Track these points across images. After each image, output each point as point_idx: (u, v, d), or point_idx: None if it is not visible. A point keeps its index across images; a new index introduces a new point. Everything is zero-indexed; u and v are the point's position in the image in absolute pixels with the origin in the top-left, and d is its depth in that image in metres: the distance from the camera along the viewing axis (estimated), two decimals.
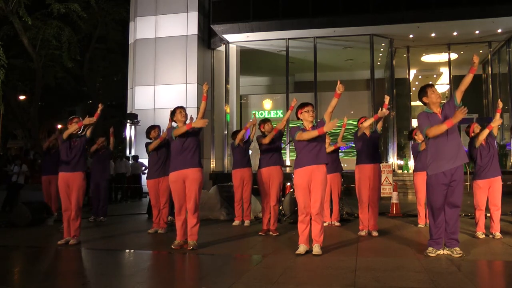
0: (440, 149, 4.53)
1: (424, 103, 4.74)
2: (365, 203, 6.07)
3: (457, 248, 4.51)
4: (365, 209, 6.09)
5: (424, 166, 6.55)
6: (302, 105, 5.05)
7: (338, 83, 4.80)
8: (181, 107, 5.46)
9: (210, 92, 17.62)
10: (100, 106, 5.96)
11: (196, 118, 5.34)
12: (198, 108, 16.39)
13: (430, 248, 4.59)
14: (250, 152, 7.56)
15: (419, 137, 6.82)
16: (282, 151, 6.63)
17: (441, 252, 4.56)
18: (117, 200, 13.67)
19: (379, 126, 6.28)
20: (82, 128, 5.91)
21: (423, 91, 4.70)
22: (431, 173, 4.59)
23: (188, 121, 5.41)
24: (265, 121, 6.59)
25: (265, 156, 6.38)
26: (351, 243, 5.48)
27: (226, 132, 17.62)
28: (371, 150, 6.15)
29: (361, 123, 6.25)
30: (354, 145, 6.42)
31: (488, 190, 5.74)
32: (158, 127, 7.03)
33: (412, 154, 7.29)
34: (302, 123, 5.02)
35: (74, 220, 5.62)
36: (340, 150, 7.62)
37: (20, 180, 10.55)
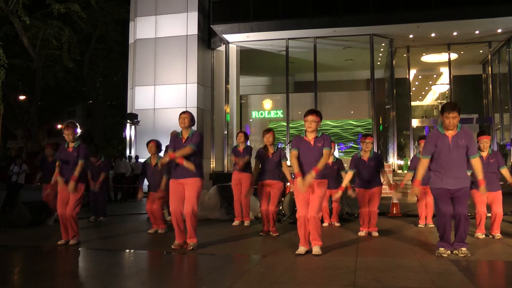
0: (443, 165, 4.54)
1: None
2: (365, 205, 6.12)
3: (463, 249, 4.54)
4: (365, 210, 6.10)
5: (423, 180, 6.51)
6: (305, 114, 4.88)
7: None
8: (184, 112, 5.29)
9: (210, 92, 17.63)
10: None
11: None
12: (198, 108, 16.43)
13: (442, 249, 4.59)
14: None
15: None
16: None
17: (449, 252, 4.57)
18: (117, 200, 13.67)
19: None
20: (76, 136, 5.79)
21: (442, 110, 4.54)
22: (434, 186, 4.61)
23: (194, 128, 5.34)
24: (268, 131, 6.53)
25: (266, 169, 6.37)
26: (351, 243, 5.48)
27: (226, 132, 17.62)
28: (369, 175, 6.08)
29: (362, 141, 6.22)
30: (355, 145, 6.40)
31: (487, 198, 5.72)
32: (156, 141, 6.99)
33: (412, 163, 7.07)
34: (305, 131, 4.91)
35: (72, 224, 5.58)
36: (340, 150, 7.62)
37: (20, 180, 10.55)
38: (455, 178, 4.52)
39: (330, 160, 7.14)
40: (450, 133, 4.53)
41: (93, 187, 8.22)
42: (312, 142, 4.80)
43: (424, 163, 4.68)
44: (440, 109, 4.69)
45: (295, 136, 5.04)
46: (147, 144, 6.99)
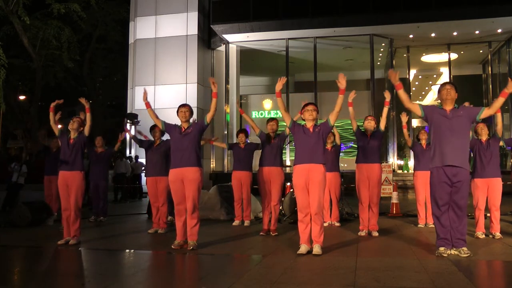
0: (443, 143, 4.54)
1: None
2: (365, 203, 6.07)
3: (465, 248, 4.50)
4: (365, 209, 6.08)
5: (424, 165, 6.57)
6: (304, 105, 5.04)
7: (339, 77, 4.75)
8: (184, 106, 5.37)
9: (210, 92, 17.57)
10: (82, 100, 5.78)
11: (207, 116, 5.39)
12: (198, 108, 16.42)
13: (442, 248, 4.54)
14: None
15: (423, 142, 6.85)
16: (283, 151, 6.63)
17: (449, 251, 4.55)
18: (117, 200, 13.68)
19: (382, 124, 6.23)
20: (82, 130, 5.86)
21: (439, 88, 4.71)
22: (433, 165, 4.60)
23: (191, 121, 5.39)
24: (271, 119, 6.57)
25: (267, 155, 6.38)
26: (351, 243, 5.47)
27: (226, 132, 17.63)
28: (370, 149, 6.12)
29: (365, 119, 6.28)
30: (355, 145, 6.42)
31: (487, 190, 5.73)
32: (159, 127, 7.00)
33: (413, 152, 7.25)
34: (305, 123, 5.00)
35: (74, 221, 5.61)
36: (340, 151, 7.62)
37: (20, 180, 10.55)
38: (455, 151, 4.48)
39: (329, 146, 7.17)
40: (448, 108, 4.61)
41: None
42: (311, 129, 4.89)
43: (415, 104, 4.77)
44: (437, 91, 4.78)
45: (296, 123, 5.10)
46: (151, 129, 6.95)
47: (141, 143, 7.12)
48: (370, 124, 6.21)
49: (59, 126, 5.99)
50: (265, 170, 6.30)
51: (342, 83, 4.75)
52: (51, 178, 8.32)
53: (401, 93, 4.72)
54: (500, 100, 4.49)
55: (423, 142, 6.90)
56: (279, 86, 5.02)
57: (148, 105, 5.51)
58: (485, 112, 4.53)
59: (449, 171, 4.50)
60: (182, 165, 5.10)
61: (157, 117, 5.44)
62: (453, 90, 4.61)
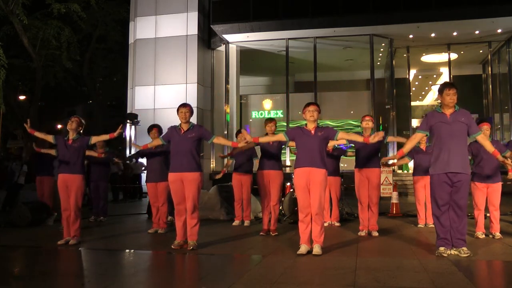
0: (444, 140, 4.55)
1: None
2: (365, 203, 6.06)
3: (465, 248, 4.50)
4: (364, 209, 6.07)
5: (422, 170, 6.56)
6: (305, 105, 4.99)
7: (379, 134, 4.83)
8: (184, 106, 5.29)
9: (210, 92, 17.62)
10: (120, 129, 5.88)
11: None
12: (198, 108, 16.42)
13: (442, 248, 4.54)
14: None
15: (423, 145, 6.82)
16: (282, 151, 6.61)
17: (449, 251, 4.54)
18: (117, 200, 13.66)
19: (391, 139, 6.17)
20: (80, 130, 5.87)
21: (441, 89, 4.66)
22: (434, 172, 4.61)
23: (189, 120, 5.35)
24: (270, 120, 6.49)
25: (265, 158, 6.34)
26: (351, 243, 5.48)
27: (226, 132, 17.61)
28: (370, 154, 6.05)
29: (362, 120, 6.22)
30: (353, 145, 6.36)
31: (486, 191, 5.72)
32: (158, 127, 6.94)
33: (413, 158, 7.01)
34: (306, 124, 4.98)
35: (74, 221, 5.61)
36: (344, 151, 7.58)
37: (20, 180, 10.55)
38: (456, 157, 4.48)
39: (330, 147, 7.12)
40: (448, 112, 4.61)
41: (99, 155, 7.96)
42: (312, 131, 4.84)
43: (416, 136, 4.87)
44: (438, 90, 4.75)
45: (294, 127, 5.10)
46: (149, 130, 6.91)
47: (137, 155, 7.18)
48: (368, 125, 6.14)
49: (59, 126, 6.01)
50: (264, 173, 6.28)
51: (374, 140, 4.85)
52: (42, 179, 8.52)
53: (405, 151, 4.93)
54: (492, 151, 4.81)
55: (423, 145, 6.85)
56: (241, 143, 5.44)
57: (145, 146, 5.94)
58: (478, 138, 4.72)
59: (450, 174, 4.52)
60: (182, 170, 5.09)
61: (155, 139, 5.82)
62: (456, 96, 4.58)
